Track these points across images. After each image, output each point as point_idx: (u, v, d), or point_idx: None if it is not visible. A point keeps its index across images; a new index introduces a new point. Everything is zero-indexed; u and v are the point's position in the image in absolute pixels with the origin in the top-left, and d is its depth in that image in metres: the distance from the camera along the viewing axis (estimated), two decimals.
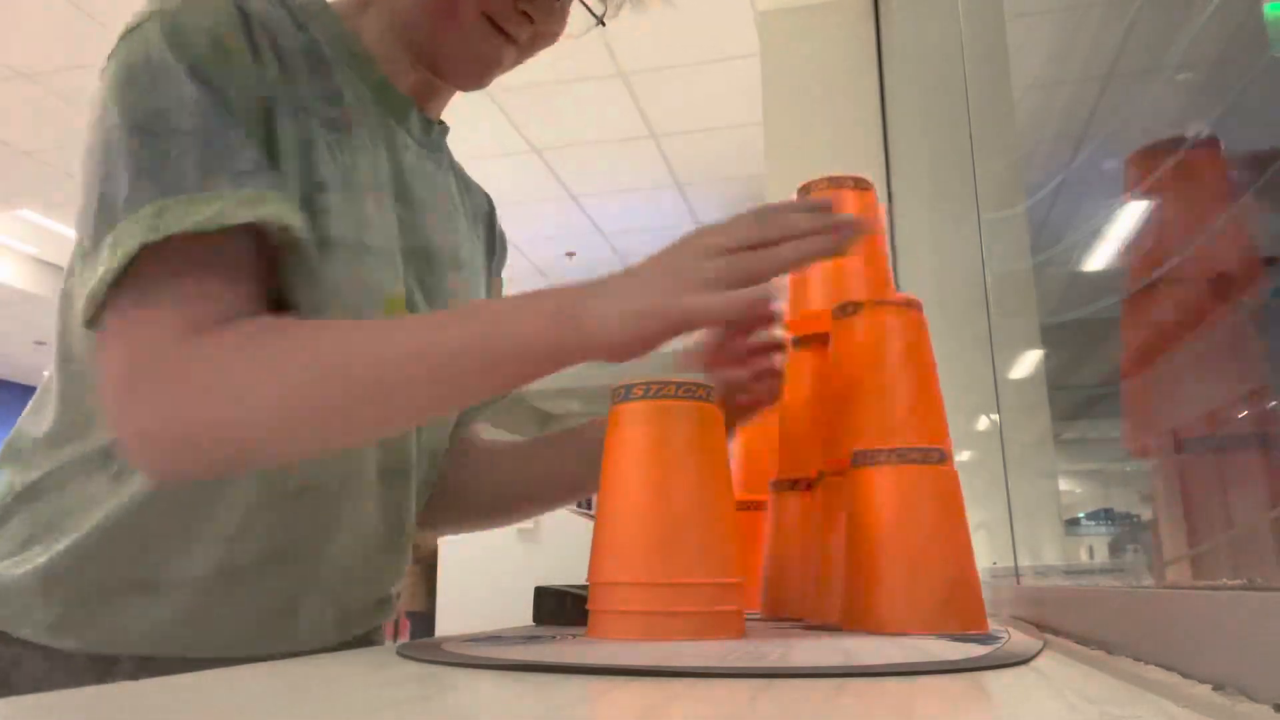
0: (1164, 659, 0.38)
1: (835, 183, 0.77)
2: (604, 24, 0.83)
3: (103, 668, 0.66)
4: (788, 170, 2.66)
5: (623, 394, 0.60)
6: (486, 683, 0.37)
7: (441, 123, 0.86)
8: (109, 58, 0.64)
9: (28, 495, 0.68)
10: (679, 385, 0.58)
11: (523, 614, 0.80)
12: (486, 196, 0.97)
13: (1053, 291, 1.42)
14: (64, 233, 5.72)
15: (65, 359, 0.70)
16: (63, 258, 6.20)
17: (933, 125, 2.00)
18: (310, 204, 0.66)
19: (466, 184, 0.92)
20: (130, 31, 0.63)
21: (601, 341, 0.57)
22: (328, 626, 0.74)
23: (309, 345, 0.60)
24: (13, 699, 0.33)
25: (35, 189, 5.02)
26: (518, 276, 6.64)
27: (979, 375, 1.46)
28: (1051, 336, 1.47)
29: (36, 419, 0.72)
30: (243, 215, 0.59)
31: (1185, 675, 0.35)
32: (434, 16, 0.74)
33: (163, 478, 0.63)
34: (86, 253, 0.60)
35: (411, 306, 0.75)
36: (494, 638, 0.57)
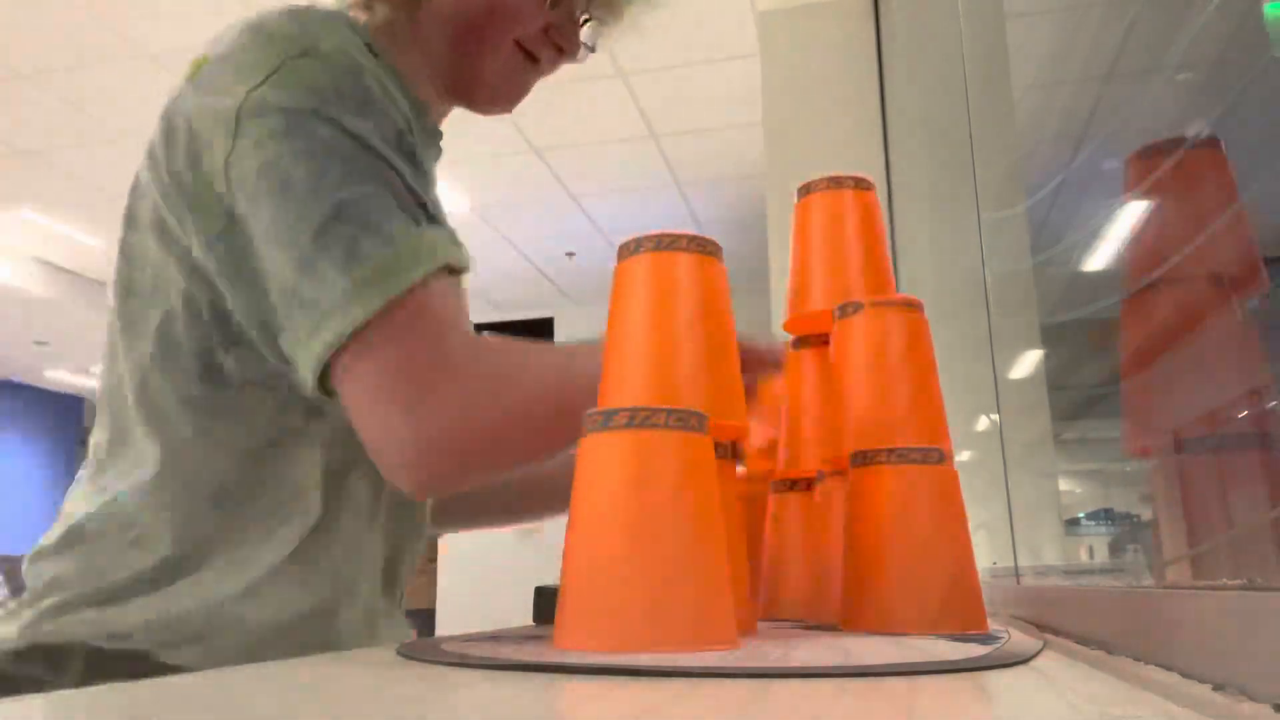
0: (1164, 659, 0.38)
1: (835, 183, 0.76)
2: (595, 51, 0.87)
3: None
4: (787, 170, 2.66)
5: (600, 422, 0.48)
6: (486, 683, 0.37)
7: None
8: (247, 108, 0.62)
9: (125, 528, 0.68)
10: (669, 413, 0.48)
11: (523, 614, 0.80)
12: None
13: (1052, 291, 1.42)
14: (64, 233, 5.72)
15: (187, 388, 0.69)
16: (63, 258, 6.21)
17: (933, 125, 2.00)
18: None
19: None
20: (294, 60, 0.63)
21: None
22: (397, 634, 0.78)
23: (532, 359, 0.66)
24: (13, 699, 0.33)
25: (35, 189, 5.02)
26: (518, 276, 6.64)
27: (979, 375, 1.46)
28: (1051, 336, 1.47)
29: (128, 455, 0.71)
30: (454, 255, 0.65)
31: (1185, 675, 0.35)
32: (469, 51, 0.78)
33: (424, 494, 0.68)
34: (314, 268, 0.60)
35: None
36: (493, 637, 0.57)
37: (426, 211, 0.67)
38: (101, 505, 0.68)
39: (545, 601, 0.74)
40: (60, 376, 8.73)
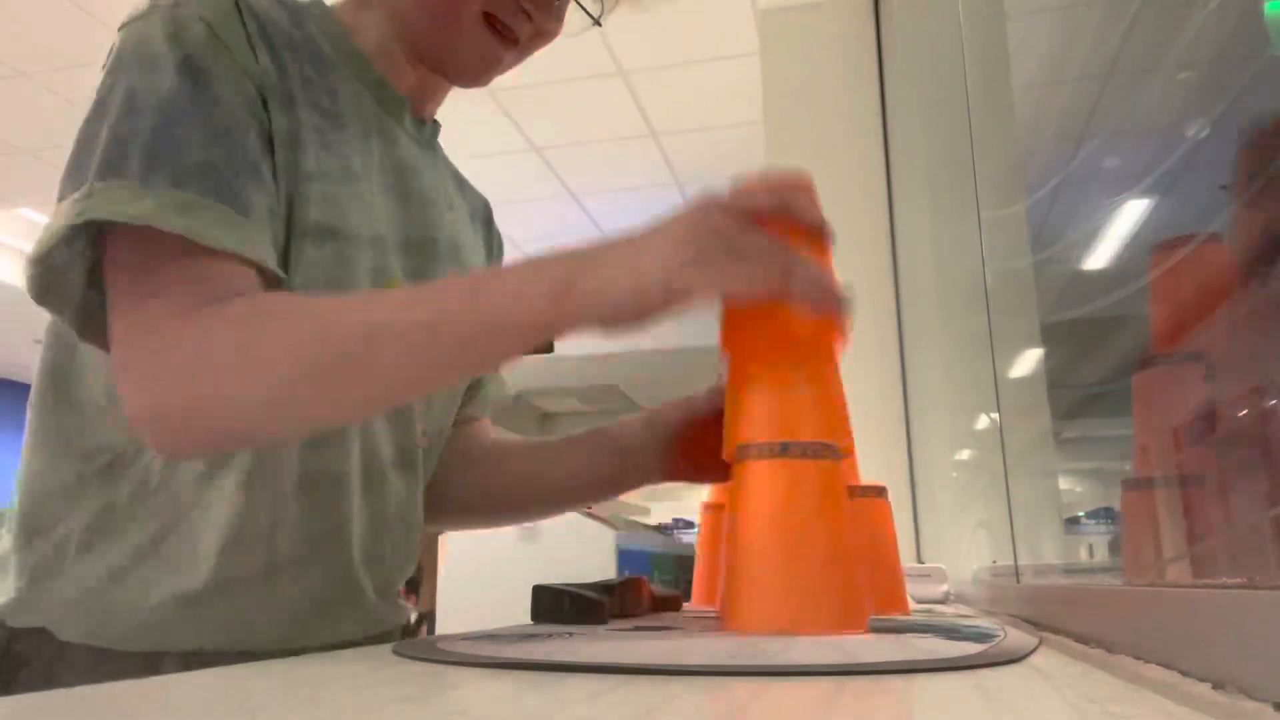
0: (1164, 657, 0.38)
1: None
2: (600, 24, 0.84)
3: (150, 665, 0.66)
4: (787, 168, 2.65)
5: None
6: (484, 681, 0.37)
7: (435, 121, 0.87)
8: (111, 48, 0.64)
9: (45, 518, 0.69)
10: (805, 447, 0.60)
11: (522, 614, 0.80)
12: (483, 197, 0.98)
13: (1052, 290, 1.42)
14: None
15: (57, 376, 0.71)
16: None
17: (933, 124, 2.00)
18: (298, 194, 0.67)
19: (461, 183, 0.94)
20: (131, 21, 0.64)
21: (602, 317, 0.55)
22: (363, 620, 0.76)
23: (300, 318, 0.59)
24: (13, 698, 0.33)
25: (35, 189, 5.02)
26: None
27: (979, 374, 1.46)
28: (1051, 335, 1.47)
29: (39, 435, 0.72)
30: (172, 222, 0.58)
31: (1185, 674, 0.35)
32: (435, 16, 0.75)
33: (174, 455, 0.65)
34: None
35: None
36: (491, 636, 0.57)
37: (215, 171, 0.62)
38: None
39: (543, 600, 0.74)
40: None
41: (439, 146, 0.89)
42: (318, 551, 0.71)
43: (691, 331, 7.11)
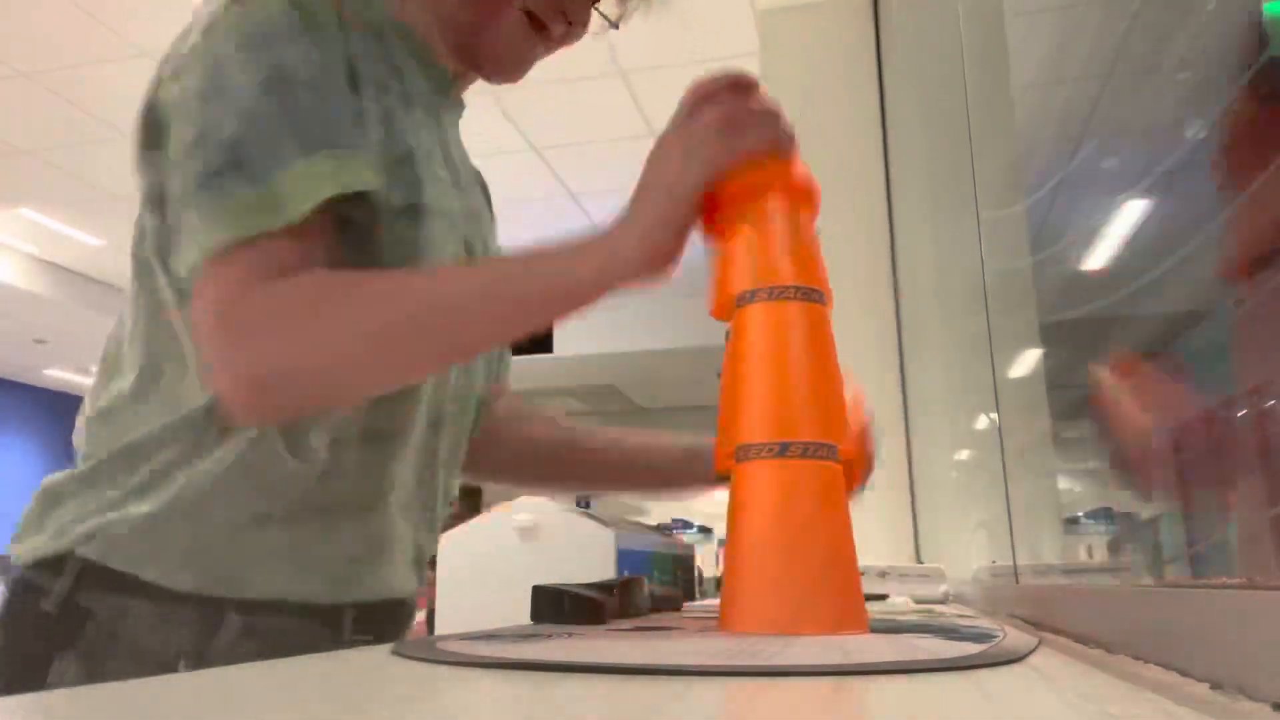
0: (1163, 657, 0.38)
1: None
2: (618, 28, 0.87)
3: (211, 620, 0.68)
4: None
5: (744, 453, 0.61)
6: (483, 681, 0.37)
7: (463, 102, 0.91)
8: (211, 24, 0.66)
9: (128, 452, 0.71)
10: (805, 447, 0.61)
11: (522, 614, 0.80)
12: (476, 168, 1.03)
13: (1052, 290, 1.42)
14: (64, 232, 5.71)
15: (152, 317, 0.72)
16: (63, 257, 6.21)
17: (932, 124, 2.00)
18: (394, 174, 0.71)
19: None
20: (226, 8, 0.66)
21: (638, 265, 0.62)
22: (407, 572, 0.80)
23: (385, 289, 0.63)
24: (13, 698, 0.33)
25: (35, 189, 5.02)
26: None
27: (978, 374, 1.46)
28: (1051, 335, 1.47)
29: (117, 382, 0.74)
30: (369, 180, 0.65)
31: (1184, 674, 0.35)
32: (475, 12, 0.78)
33: (255, 421, 0.67)
34: (196, 201, 0.62)
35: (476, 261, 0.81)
36: (490, 636, 0.57)
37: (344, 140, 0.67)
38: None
39: (542, 600, 0.74)
40: (59, 375, 8.73)
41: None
42: (372, 497, 0.75)
43: (689, 332, 7.11)
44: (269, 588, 0.70)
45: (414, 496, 0.80)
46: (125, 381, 0.73)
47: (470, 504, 3.58)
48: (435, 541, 0.86)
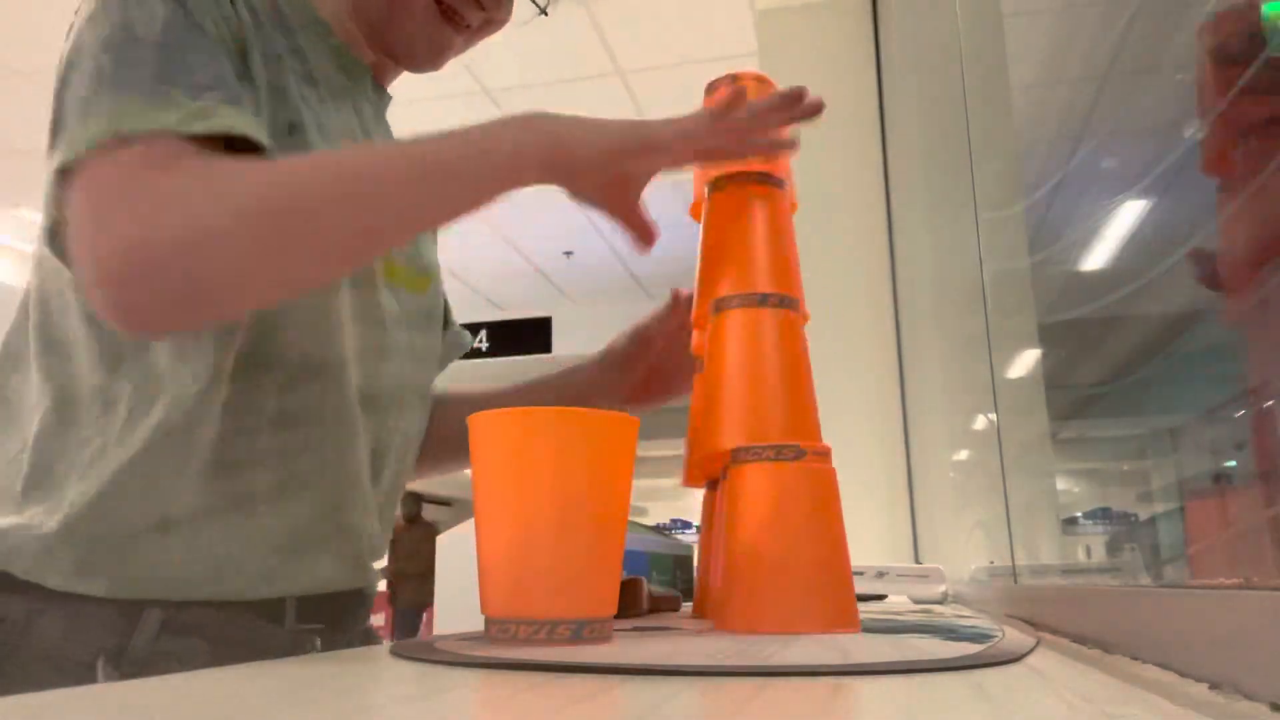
0: (1161, 658, 0.38)
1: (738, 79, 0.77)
2: (545, 14, 0.86)
3: (129, 617, 0.65)
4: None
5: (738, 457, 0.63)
6: (482, 682, 0.37)
7: (388, 93, 0.88)
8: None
9: (32, 456, 0.68)
10: (795, 450, 0.62)
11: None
12: None
13: (1050, 291, 1.42)
14: None
15: (43, 322, 0.70)
16: None
17: (931, 124, 2.00)
18: (284, 143, 0.68)
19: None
20: None
21: (588, 162, 0.64)
22: (344, 566, 0.75)
23: (274, 165, 0.60)
24: (13, 698, 0.33)
25: (35, 189, 5.01)
26: (517, 276, 6.64)
27: (976, 375, 1.47)
28: (1049, 336, 1.47)
29: (18, 383, 0.72)
30: (196, 126, 0.59)
31: (1182, 674, 0.35)
32: (385, 2, 0.77)
33: (131, 325, 0.59)
34: (76, 109, 0.60)
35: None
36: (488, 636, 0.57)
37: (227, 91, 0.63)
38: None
39: None
40: None
41: (386, 118, 0.91)
42: (294, 487, 0.71)
43: None
44: (185, 590, 0.67)
45: (352, 486, 0.75)
46: (14, 382, 0.71)
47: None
48: (384, 534, 0.82)
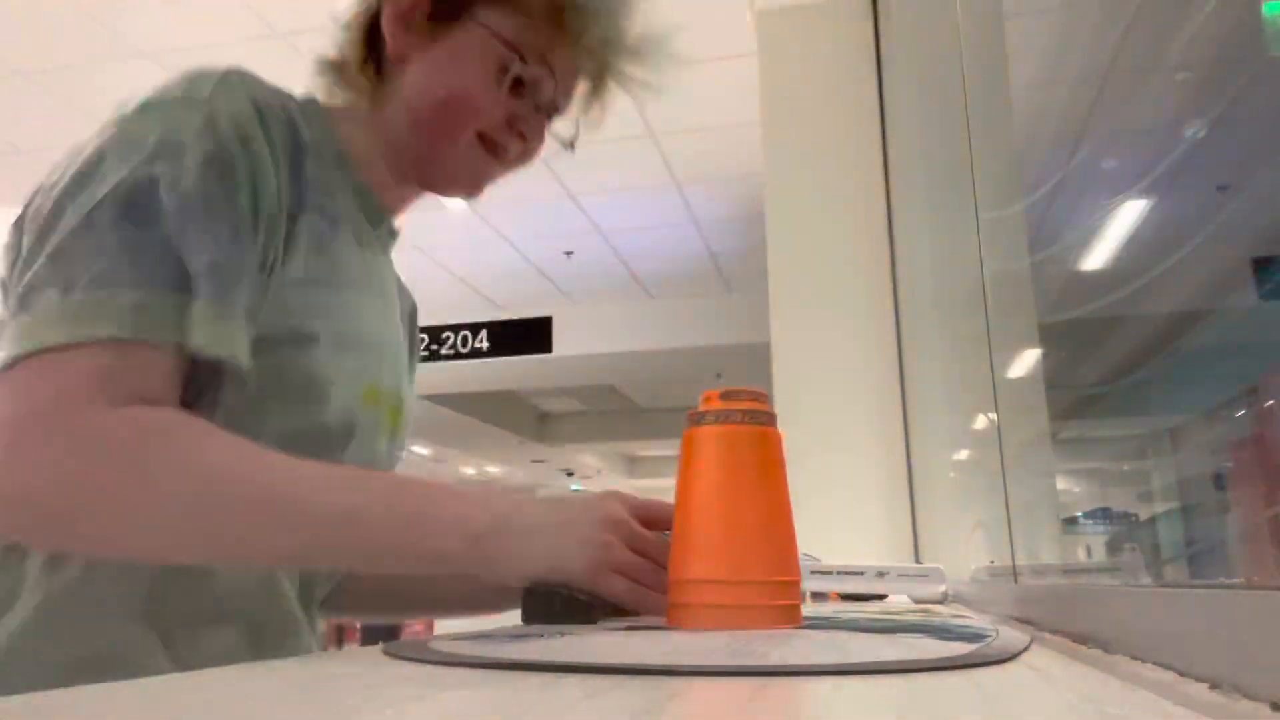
0: (1161, 657, 0.38)
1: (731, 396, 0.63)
2: (573, 149, 0.88)
3: None
4: (786, 169, 2.66)
5: (697, 419, 0.63)
6: (479, 682, 0.37)
7: (397, 229, 0.89)
8: (122, 117, 0.64)
9: None
10: (744, 413, 0.62)
11: (518, 615, 0.80)
12: (412, 299, 0.99)
13: (1050, 291, 1.42)
14: None
15: None
16: None
17: (931, 124, 2.00)
18: (296, 292, 0.69)
19: (398, 282, 0.94)
20: (157, 105, 0.64)
21: (508, 574, 0.65)
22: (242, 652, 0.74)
23: (210, 457, 0.59)
24: (15, 698, 0.33)
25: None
26: (517, 276, 6.64)
27: (976, 375, 1.46)
28: (1049, 336, 1.47)
29: None
30: (166, 335, 0.59)
31: (1182, 674, 0.35)
32: (432, 137, 0.78)
33: (40, 546, 0.62)
34: (34, 289, 0.59)
35: (383, 394, 0.78)
36: (483, 636, 0.57)
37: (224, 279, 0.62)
38: None
39: (534, 601, 0.74)
40: None
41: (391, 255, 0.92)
42: (210, 614, 0.70)
43: (689, 332, 7.12)
44: None
45: (277, 596, 0.74)
46: None
47: None
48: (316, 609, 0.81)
